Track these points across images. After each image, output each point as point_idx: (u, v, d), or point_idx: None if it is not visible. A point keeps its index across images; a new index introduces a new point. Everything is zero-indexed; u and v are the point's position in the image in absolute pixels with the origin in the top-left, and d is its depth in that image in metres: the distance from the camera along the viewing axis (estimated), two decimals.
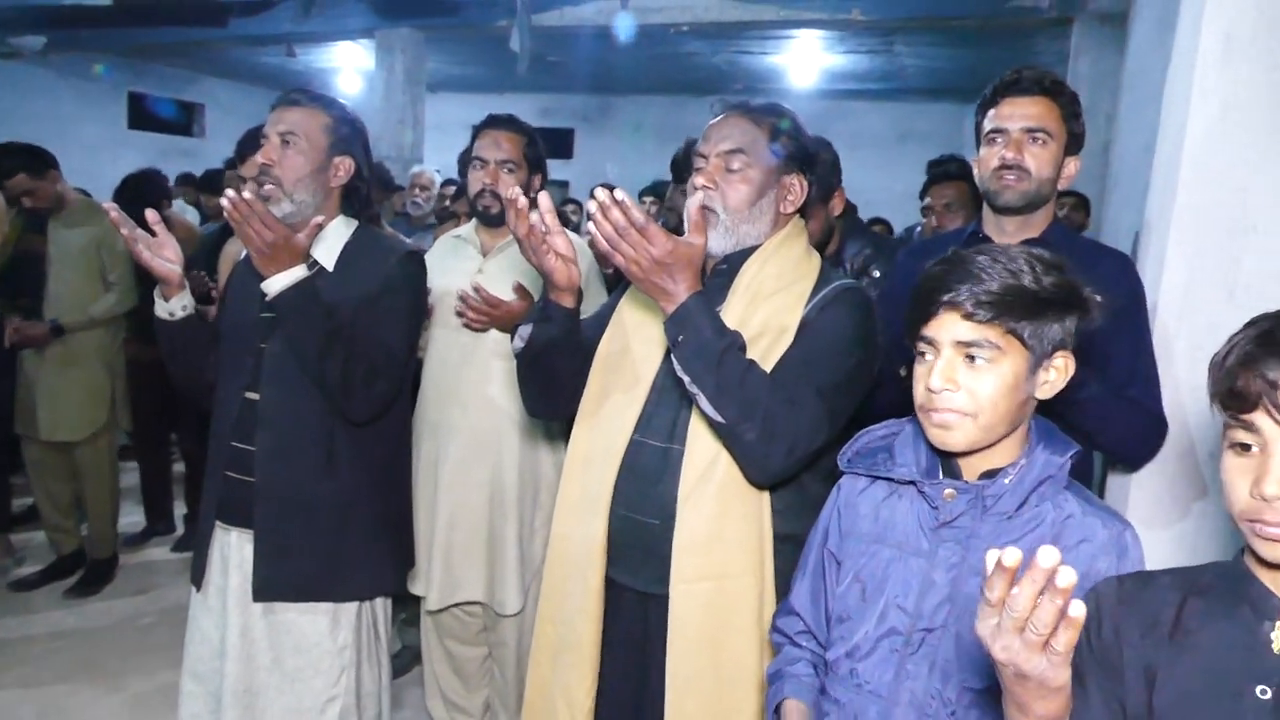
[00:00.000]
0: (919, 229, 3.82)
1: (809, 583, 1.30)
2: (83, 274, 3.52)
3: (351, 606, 1.89)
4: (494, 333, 2.31)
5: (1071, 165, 1.73)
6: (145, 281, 3.32)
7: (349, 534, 1.86)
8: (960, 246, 1.20)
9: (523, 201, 1.46)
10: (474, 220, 2.46)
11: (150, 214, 1.76)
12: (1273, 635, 0.88)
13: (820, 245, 2.39)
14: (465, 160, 2.49)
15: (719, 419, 1.39)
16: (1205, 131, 1.64)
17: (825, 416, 1.42)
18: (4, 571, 3.79)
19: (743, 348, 1.42)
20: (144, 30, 7.96)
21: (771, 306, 1.51)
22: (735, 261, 1.56)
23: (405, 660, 3.05)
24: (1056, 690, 0.81)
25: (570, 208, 6.07)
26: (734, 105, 1.59)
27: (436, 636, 2.53)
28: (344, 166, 1.87)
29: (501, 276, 2.33)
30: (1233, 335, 0.90)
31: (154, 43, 8.64)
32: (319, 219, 1.73)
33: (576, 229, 4.72)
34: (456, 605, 2.41)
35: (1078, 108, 1.73)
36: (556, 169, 9.10)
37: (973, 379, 1.08)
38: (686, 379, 1.40)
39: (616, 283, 2.20)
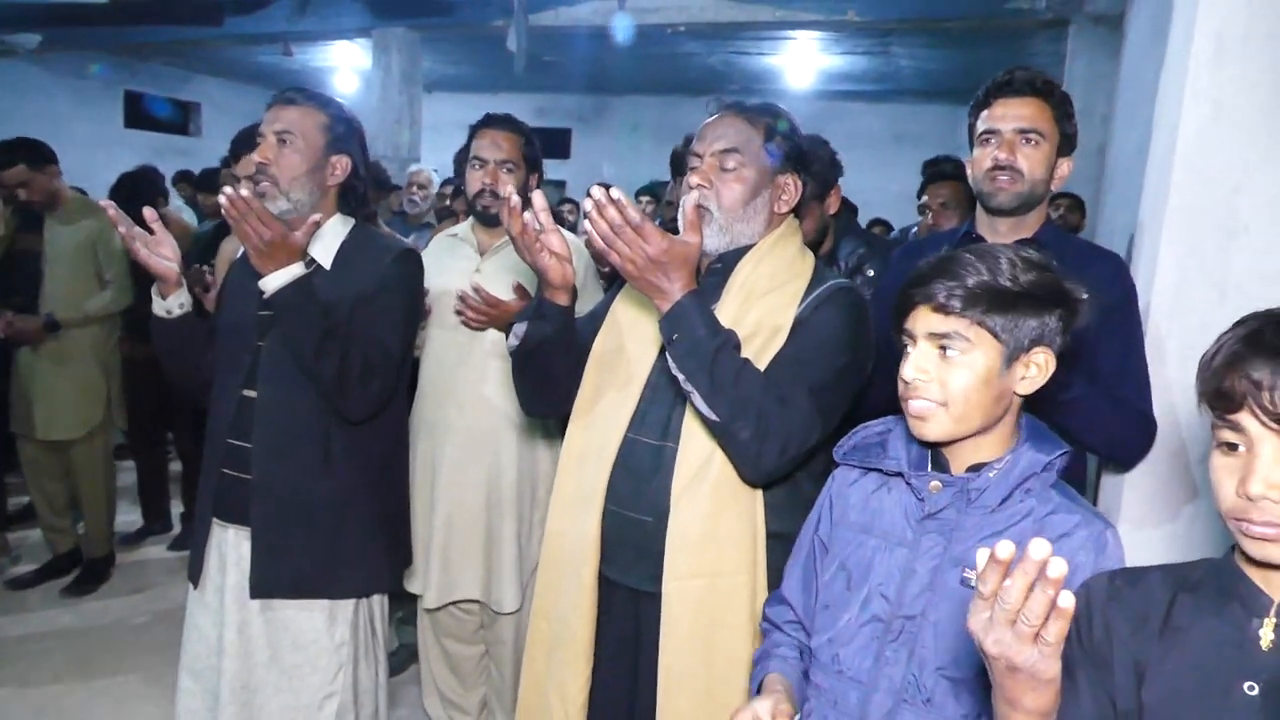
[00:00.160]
0: (914, 229, 3.84)
1: (800, 571, 1.32)
2: (78, 272, 3.52)
3: (348, 603, 1.89)
4: (491, 332, 2.31)
5: (1064, 166, 1.73)
6: (140, 280, 3.33)
7: (346, 531, 1.86)
8: (953, 246, 1.22)
9: (515, 200, 1.47)
10: (470, 219, 2.46)
11: (148, 212, 1.77)
12: (1261, 632, 0.89)
13: (815, 244, 2.40)
14: (462, 160, 2.50)
15: (713, 417, 1.40)
16: (1197, 132, 1.64)
17: (818, 415, 1.43)
18: (0, 570, 3.78)
19: (737, 346, 1.43)
20: (139, 28, 7.92)
21: (765, 305, 1.52)
22: (730, 260, 1.57)
23: (402, 659, 3.06)
24: (1047, 683, 0.82)
25: (567, 207, 6.07)
26: (729, 104, 1.60)
27: (433, 635, 2.53)
28: (340, 165, 1.87)
29: (499, 276, 2.34)
30: (1221, 335, 0.90)
31: (149, 41, 8.61)
32: (316, 217, 1.73)
33: (573, 229, 4.72)
34: (454, 603, 2.41)
35: (1070, 108, 1.73)
36: (553, 169, 9.09)
37: (945, 370, 1.11)
38: (681, 377, 1.41)
39: (612, 282, 2.21)
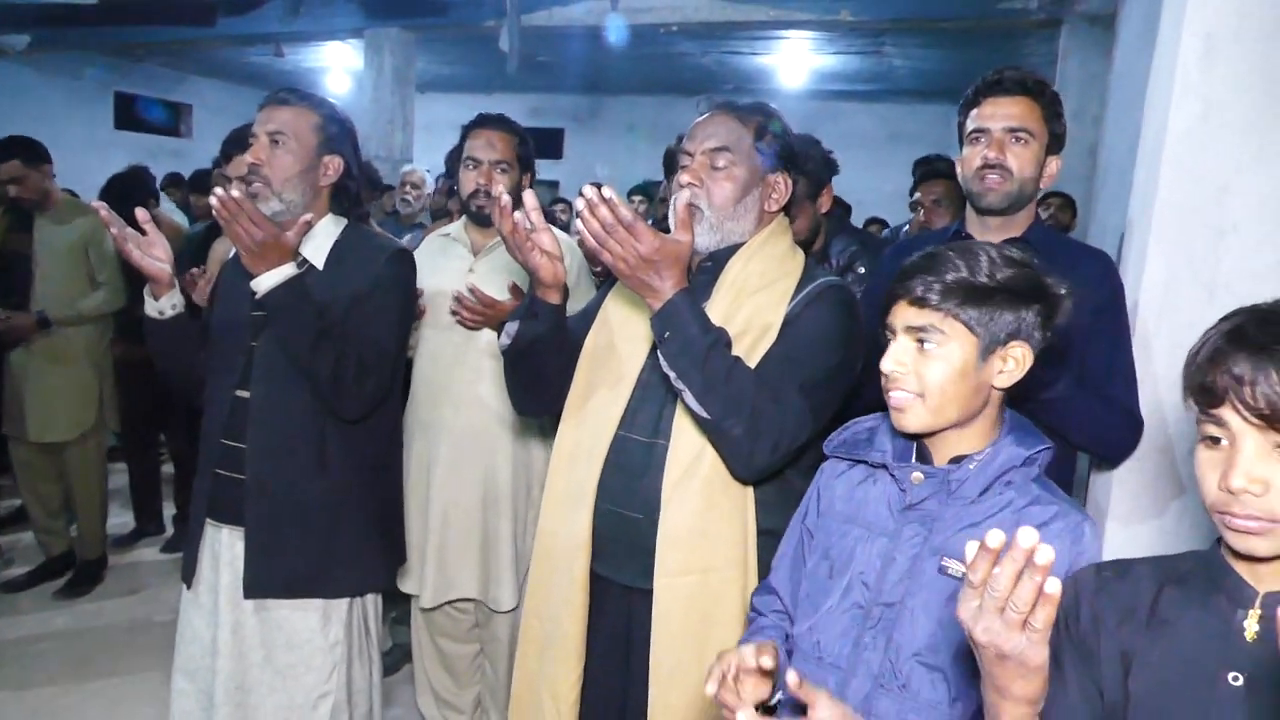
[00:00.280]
0: (905, 228, 3.85)
1: (789, 561, 1.34)
2: (70, 273, 3.51)
3: (342, 603, 1.89)
4: (485, 332, 2.31)
5: (1053, 165, 1.74)
6: (133, 281, 3.33)
7: (340, 531, 1.86)
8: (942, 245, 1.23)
9: (506, 199, 1.47)
10: (463, 219, 2.46)
11: (140, 213, 1.77)
12: (1246, 624, 0.90)
13: (807, 242, 2.41)
14: (454, 160, 2.50)
15: (705, 415, 1.40)
16: (1186, 131, 1.65)
17: (809, 412, 1.44)
18: None
19: (728, 344, 1.43)
20: (131, 29, 7.89)
21: (755, 303, 1.53)
22: (720, 258, 1.58)
23: (396, 658, 3.06)
24: (1035, 670, 0.83)
25: (560, 207, 6.07)
26: (720, 103, 1.61)
27: (428, 634, 2.54)
28: (333, 165, 1.87)
29: (492, 276, 2.34)
30: (1207, 331, 0.91)
31: (141, 42, 8.58)
32: (307, 217, 1.73)
33: (566, 228, 4.72)
34: (449, 603, 2.42)
35: (1059, 108, 1.74)
36: (546, 169, 9.09)
37: (921, 363, 1.14)
38: (672, 375, 1.42)
39: (604, 281, 2.21)
